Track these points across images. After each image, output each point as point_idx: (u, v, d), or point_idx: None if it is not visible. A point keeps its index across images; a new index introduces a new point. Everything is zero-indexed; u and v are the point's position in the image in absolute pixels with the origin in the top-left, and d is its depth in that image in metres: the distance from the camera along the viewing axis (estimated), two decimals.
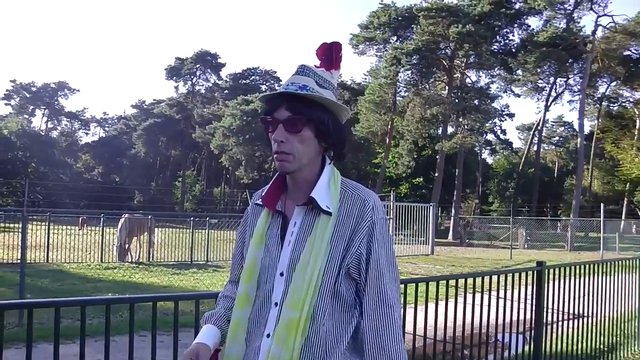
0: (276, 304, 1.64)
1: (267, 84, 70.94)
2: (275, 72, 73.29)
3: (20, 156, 55.84)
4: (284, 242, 1.68)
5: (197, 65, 70.08)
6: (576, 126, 48.21)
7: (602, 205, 25.56)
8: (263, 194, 1.78)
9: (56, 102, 77.17)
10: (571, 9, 42.28)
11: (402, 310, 1.75)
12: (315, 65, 1.75)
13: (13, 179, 49.90)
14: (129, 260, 16.95)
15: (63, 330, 6.30)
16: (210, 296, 3.14)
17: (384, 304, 1.63)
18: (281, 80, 70.71)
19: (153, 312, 2.81)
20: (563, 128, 68.96)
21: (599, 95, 52.39)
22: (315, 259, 1.59)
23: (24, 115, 73.10)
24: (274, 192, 1.76)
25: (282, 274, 1.65)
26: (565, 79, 48.80)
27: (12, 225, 20.23)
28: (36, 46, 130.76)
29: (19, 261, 9.22)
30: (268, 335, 1.63)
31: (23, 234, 8.18)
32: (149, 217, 18.49)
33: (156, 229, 18.33)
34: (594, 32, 42.02)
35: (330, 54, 1.77)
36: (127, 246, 17.35)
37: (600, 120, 52.30)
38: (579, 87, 45.49)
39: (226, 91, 67.05)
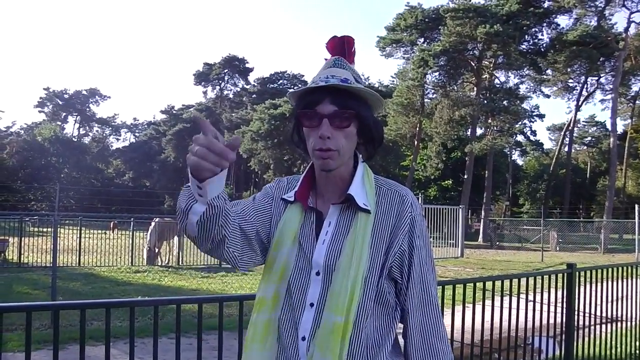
0: (312, 305, 1.54)
1: (294, 87, 70.89)
2: (303, 75, 73.57)
3: (54, 162, 57.04)
4: (318, 240, 1.59)
5: (225, 70, 70.71)
6: (609, 126, 47.29)
7: (636, 206, 24.98)
8: (296, 189, 1.67)
9: (88, 109, 78.66)
10: (602, 6, 41.51)
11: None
12: (326, 59, 1.67)
13: (47, 184, 50.88)
14: (159, 264, 17.12)
15: (92, 332, 6.44)
16: (234, 299, 3.14)
17: (430, 303, 1.58)
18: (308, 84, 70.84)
19: (177, 314, 2.81)
20: (595, 128, 67.76)
21: (632, 94, 51.37)
22: (358, 260, 1.51)
23: (57, 122, 74.68)
24: (306, 187, 1.67)
25: (318, 274, 1.56)
26: (596, 78, 47.97)
27: (45, 229, 20.62)
28: (68, 54, 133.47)
29: (51, 264, 9.39)
30: (304, 339, 1.52)
31: (54, 237, 8.33)
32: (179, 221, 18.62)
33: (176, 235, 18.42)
34: (626, 29, 41.24)
35: (342, 47, 1.68)
36: (156, 250, 17.53)
37: (633, 119, 51.26)
38: (611, 85, 44.65)
39: (254, 95, 67.47)
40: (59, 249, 11.14)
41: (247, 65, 71.71)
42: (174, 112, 74.15)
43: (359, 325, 1.51)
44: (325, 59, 1.68)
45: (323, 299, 1.53)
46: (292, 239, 1.62)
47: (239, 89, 72.75)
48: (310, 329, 1.52)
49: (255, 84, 71.12)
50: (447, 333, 1.61)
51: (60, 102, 76.48)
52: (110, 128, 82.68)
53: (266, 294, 1.62)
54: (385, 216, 1.57)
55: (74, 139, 70.94)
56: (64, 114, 77.74)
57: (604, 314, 5.43)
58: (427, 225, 1.70)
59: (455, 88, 44.27)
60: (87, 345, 5.14)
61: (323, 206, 1.64)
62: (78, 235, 17.04)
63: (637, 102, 51.83)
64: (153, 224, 17.40)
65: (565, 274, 4.84)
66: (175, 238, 17.89)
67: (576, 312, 4.86)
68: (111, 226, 27.01)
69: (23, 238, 16.31)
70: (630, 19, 40.84)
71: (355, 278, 1.50)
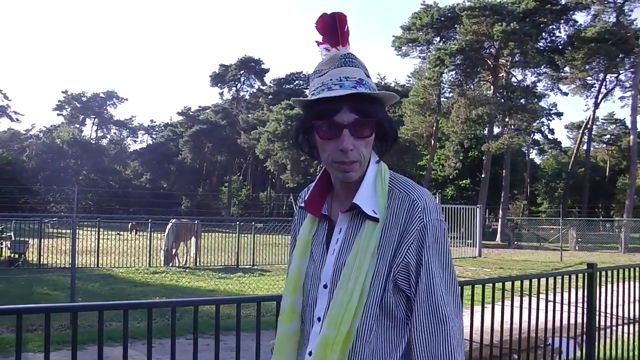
0: (319, 319, 1.47)
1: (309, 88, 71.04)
2: None
3: (72, 164, 57.65)
4: (329, 250, 1.51)
5: (241, 72, 70.84)
6: (628, 123, 46.63)
7: None
8: (306, 197, 1.60)
9: (105, 111, 79.32)
10: (621, 2, 40.97)
11: (461, 324, 1.47)
12: (317, 42, 1.53)
13: (65, 186, 51.46)
14: (176, 265, 17.22)
15: (111, 333, 6.48)
16: (251, 300, 3.14)
17: (437, 319, 1.40)
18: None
19: (194, 315, 2.82)
20: (614, 126, 66.82)
21: None
22: (358, 271, 1.40)
23: (75, 124, 75.40)
24: (318, 194, 1.58)
25: (325, 286, 1.48)
26: (615, 75, 47.41)
27: (64, 231, 20.83)
28: (86, 57, 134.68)
29: (70, 266, 9.48)
30: (310, 353, 1.47)
31: (73, 239, 8.40)
32: (196, 222, 18.74)
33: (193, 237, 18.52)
34: None
35: (333, 27, 1.51)
36: (174, 251, 17.64)
37: None
38: (630, 82, 44.08)
39: (270, 96, 67.55)
40: (77, 250, 11.26)
41: (263, 66, 71.80)
42: (191, 113, 74.51)
43: (361, 340, 1.42)
44: (317, 42, 1.53)
45: (326, 312, 1.46)
46: (302, 250, 1.56)
47: (255, 90, 72.89)
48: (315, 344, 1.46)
49: (272, 85, 71.24)
50: (461, 352, 1.42)
51: (78, 105, 77.17)
52: (127, 130, 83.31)
53: (283, 306, 1.58)
54: (394, 223, 1.44)
55: (91, 141, 71.56)
56: (82, 116, 78.45)
57: (625, 315, 5.35)
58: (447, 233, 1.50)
59: (472, 87, 43.98)
60: (106, 346, 5.17)
61: (337, 212, 1.54)
62: (96, 237, 17.18)
63: None
64: (170, 225, 17.51)
65: (586, 274, 4.77)
66: (193, 239, 17.99)
67: (597, 313, 4.80)
68: (129, 227, 27.25)
69: (42, 239, 16.49)
70: None
71: (353, 290, 1.40)
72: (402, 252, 1.42)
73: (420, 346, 1.41)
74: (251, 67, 70.78)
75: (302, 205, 1.61)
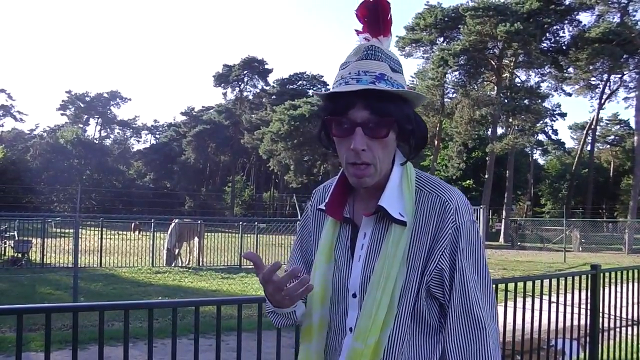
0: (351, 330, 1.38)
1: (314, 88, 71.22)
2: (322, 76, 73.46)
3: (76, 164, 57.76)
4: (354, 256, 1.41)
5: (245, 72, 70.90)
6: (632, 124, 46.61)
7: None
8: (327, 199, 1.48)
9: (109, 111, 79.49)
10: (625, 2, 40.85)
11: (497, 328, 1.42)
12: (356, 30, 1.42)
13: (69, 186, 51.57)
14: (179, 265, 17.23)
15: (113, 333, 6.48)
16: (252, 300, 3.13)
17: (473, 325, 1.33)
18: (328, 85, 70.97)
19: (196, 316, 2.81)
20: (618, 126, 66.79)
21: None
22: (386, 280, 1.32)
23: (79, 124, 75.60)
24: (339, 196, 1.47)
25: (354, 295, 1.39)
26: (619, 76, 47.22)
27: (67, 230, 20.85)
28: (89, 57, 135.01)
29: (73, 265, 9.49)
30: None
31: (76, 238, 8.41)
32: (199, 222, 18.75)
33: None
34: None
35: (375, 15, 1.39)
36: (176, 251, 17.65)
37: None
38: (634, 83, 43.95)
39: (274, 96, 67.58)
40: (80, 250, 11.27)
41: (266, 67, 71.83)
42: (194, 113, 74.58)
43: (394, 351, 1.34)
44: (357, 31, 1.42)
45: (356, 323, 1.38)
46: (327, 257, 1.45)
47: (258, 90, 72.91)
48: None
49: (275, 85, 71.26)
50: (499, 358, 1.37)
51: (82, 105, 77.34)
52: (131, 130, 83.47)
53: (314, 322, 1.46)
54: (424, 227, 1.35)
55: (95, 141, 71.70)
56: (86, 116, 78.64)
57: (629, 316, 5.33)
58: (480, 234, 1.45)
59: (476, 87, 43.94)
60: (108, 346, 5.18)
61: (360, 215, 1.44)
62: (99, 237, 17.20)
63: None
64: (173, 225, 17.52)
65: (590, 275, 4.75)
66: (196, 239, 17.99)
67: (601, 314, 4.78)
68: (132, 227, 27.29)
69: (46, 239, 16.51)
70: None
71: (381, 300, 1.32)
72: (436, 258, 1.34)
73: (456, 353, 1.34)
74: (254, 67, 70.83)
75: (323, 207, 1.50)
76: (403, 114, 1.34)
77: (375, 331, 1.32)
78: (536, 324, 4.31)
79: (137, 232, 24.81)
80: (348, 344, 1.38)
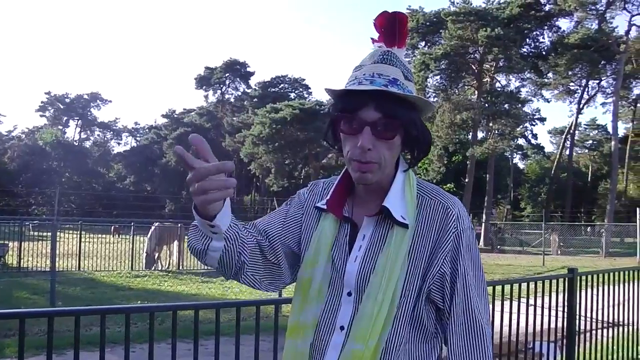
0: (342, 328, 1.38)
1: (296, 91, 71.25)
2: (304, 79, 73.61)
3: (55, 166, 57.10)
4: (350, 256, 1.42)
5: (227, 74, 70.76)
6: (610, 129, 47.20)
7: (637, 209, 24.96)
8: (329, 196, 1.49)
9: (89, 113, 78.70)
10: (603, 9, 41.52)
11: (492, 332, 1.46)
12: (372, 39, 1.47)
13: (48, 188, 50.95)
14: (159, 269, 17.10)
15: (91, 338, 6.40)
16: (230, 305, 3.12)
17: (475, 332, 1.37)
18: (310, 88, 71.12)
19: (173, 320, 2.79)
20: (596, 131, 67.67)
21: (634, 97, 51.37)
22: (387, 281, 1.34)
23: (58, 126, 74.70)
24: (340, 195, 1.49)
25: (349, 294, 1.40)
26: (597, 81, 47.97)
27: (45, 233, 20.61)
28: (69, 59, 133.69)
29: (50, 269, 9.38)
30: None
31: (53, 242, 8.31)
32: (179, 225, 18.63)
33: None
34: (627, 32, 41.24)
35: (392, 27, 1.44)
36: (156, 255, 17.51)
37: (634, 122, 51.26)
38: (612, 89, 44.63)
39: (255, 99, 67.43)
40: (58, 253, 11.15)
41: (248, 69, 71.76)
42: (175, 116, 74.18)
43: (390, 354, 1.35)
44: (372, 39, 1.47)
45: (352, 323, 1.37)
46: (326, 255, 1.45)
47: (240, 93, 72.74)
48: (337, 356, 1.37)
49: (257, 88, 71.11)
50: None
51: (62, 107, 76.47)
52: (111, 132, 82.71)
53: (306, 319, 1.45)
54: (426, 231, 1.39)
55: (75, 143, 70.92)
56: (65, 118, 77.77)
57: (605, 319, 5.40)
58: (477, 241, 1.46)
59: (457, 91, 44.29)
60: (86, 351, 5.12)
61: (359, 215, 1.46)
62: (78, 240, 17.01)
63: (638, 105, 51.83)
64: (153, 228, 17.40)
65: (567, 279, 4.81)
66: (175, 242, 17.88)
67: (578, 317, 4.84)
68: (112, 230, 27.04)
69: (23, 242, 16.29)
70: (631, 22, 40.86)
71: (383, 302, 1.33)
72: (438, 262, 1.37)
73: (459, 355, 1.37)
74: (236, 70, 70.72)
75: (321, 205, 1.50)
76: (410, 119, 1.38)
77: (375, 333, 1.33)
78: (515, 326, 4.34)
79: (116, 236, 24.59)
80: (337, 342, 1.38)
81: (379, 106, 1.34)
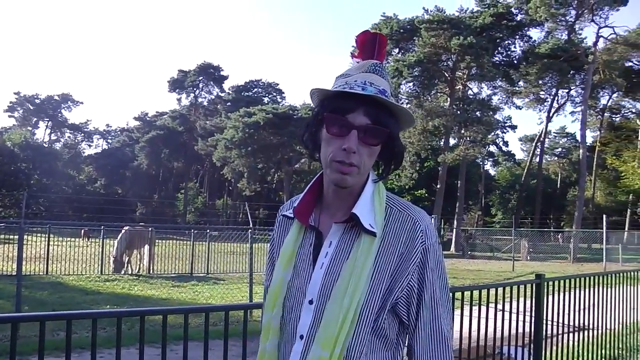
0: (301, 337, 1.39)
1: (269, 96, 71.17)
2: (278, 84, 73.58)
3: (24, 168, 55.89)
4: (316, 264, 1.43)
5: (200, 78, 70.36)
6: (579, 137, 48.12)
7: (604, 216, 25.47)
8: (295, 204, 1.52)
9: (59, 114, 77.62)
10: (572, 21, 42.40)
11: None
12: (352, 54, 1.51)
13: (16, 190, 49.91)
14: (129, 272, 16.90)
15: (59, 343, 6.28)
16: (199, 310, 3.10)
17: (441, 343, 1.40)
18: (284, 93, 71.10)
19: (141, 325, 2.76)
20: (565, 139, 68.94)
21: (601, 107, 52.43)
22: (354, 289, 1.34)
23: (28, 127, 73.46)
24: (308, 203, 1.51)
25: (311, 302, 1.40)
26: (567, 90, 48.85)
27: (12, 237, 20.20)
28: (40, 58, 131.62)
29: (16, 273, 9.17)
30: None
31: (20, 245, 8.15)
32: (150, 229, 18.44)
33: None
34: (595, 44, 42.07)
35: (372, 45, 1.50)
36: (127, 259, 17.30)
37: (602, 131, 52.31)
38: (580, 98, 45.51)
39: (229, 103, 67.19)
40: (25, 257, 10.92)
41: (222, 73, 71.46)
42: (148, 119, 73.52)
43: None
44: (352, 54, 1.52)
45: (314, 331, 1.37)
46: (286, 262, 1.48)
47: (213, 97, 72.39)
48: None
49: (230, 92, 70.87)
50: None
51: (31, 107, 75.31)
52: (82, 134, 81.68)
53: (263, 323, 1.51)
54: (393, 243, 1.40)
55: (44, 144, 69.67)
56: (35, 119, 76.57)
57: (572, 323, 5.48)
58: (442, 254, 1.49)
59: (429, 98, 44.65)
60: (53, 357, 5.04)
61: (326, 224, 1.47)
62: (46, 243, 16.70)
63: (605, 114, 52.90)
64: (123, 231, 17.18)
65: (534, 284, 4.88)
66: (146, 246, 17.68)
67: (545, 322, 4.91)
68: (82, 234, 26.63)
69: None
70: (599, 34, 41.69)
71: (349, 309, 1.33)
72: (407, 275, 1.39)
73: None
74: (210, 73, 70.38)
75: (290, 214, 1.53)
76: (393, 129, 1.42)
77: (342, 340, 1.33)
78: (483, 331, 4.39)
79: (86, 239, 24.23)
80: (297, 350, 1.39)
81: (368, 112, 1.38)
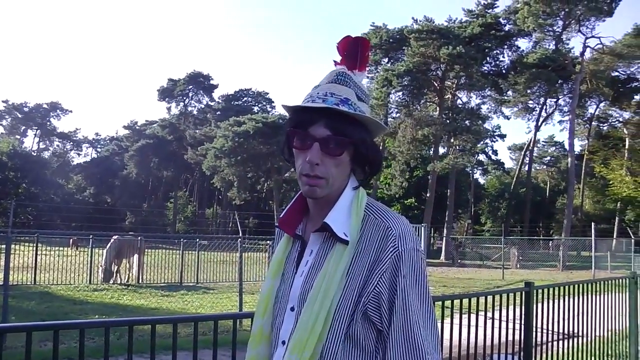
0: (283, 343, 1.42)
1: (259, 105, 71.17)
2: (268, 93, 73.58)
3: (12, 177, 55.50)
4: (297, 271, 1.47)
5: (190, 87, 70.25)
6: (567, 146, 48.49)
7: (593, 224, 25.64)
8: (282, 215, 1.56)
9: (48, 123, 77.18)
10: (560, 31, 42.79)
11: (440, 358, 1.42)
12: (335, 61, 1.52)
13: (4, 199, 49.52)
14: (118, 282, 16.78)
15: (46, 354, 6.21)
16: (188, 320, 3.08)
17: (414, 353, 1.34)
18: (273, 102, 71.11)
19: (129, 335, 2.74)
20: (554, 148, 69.35)
21: (589, 116, 52.83)
22: (324, 294, 1.35)
23: (16, 135, 72.99)
24: (295, 213, 1.54)
25: (292, 309, 1.44)
26: (555, 100, 49.21)
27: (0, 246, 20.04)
28: (29, 67, 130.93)
29: (3, 283, 9.09)
30: None
31: (7, 254, 8.09)
32: (139, 238, 18.33)
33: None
34: (582, 54, 42.54)
35: (354, 50, 1.51)
36: (116, 268, 17.19)
37: (590, 140, 52.70)
38: (568, 107, 45.86)
39: (218, 112, 67.06)
40: (12, 266, 10.82)
41: (211, 82, 71.33)
42: (137, 127, 73.26)
43: None
44: (335, 62, 1.53)
45: (291, 336, 1.40)
46: (275, 270, 1.52)
47: (203, 106, 72.24)
48: None
49: (220, 101, 70.78)
50: None
51: (20, 116, 74.82)
52: (71, 143, 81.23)
53: (253, 329, 1.53)
54: (366, 249, 1.39)
55: (33, 153, 69.24)
56: (24, 127, 76.09)
57: (561, 330, 5.50)
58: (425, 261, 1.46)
59: (419, 108, 44.89)
60: None
61: (309, 233, 1.50)
62: (34, 253, 16.56)
63: (593, 123, 53.30)
64: (112, 241, 17.08)
65: (524, 292, 4.90)
66: (135, 256, 17.57)
67: (534, 329, 4.92)
68: (71, 243, 26.44)
69: None
70: (586, 44, 42.18)
71: (318, 314, 1.34)
72: (374, 281, 1.36)
73: None
74: (200, 82, 70.27)
75: (277, 224, 1.57)
76: (360, 138, 1.42)
77: (311, 345, 1.34)
78: (473, 339, 4.39)
79: (75, 248, 24.06)
80: (279, 355, 1.42)
81: (328, 124, 1.39)
